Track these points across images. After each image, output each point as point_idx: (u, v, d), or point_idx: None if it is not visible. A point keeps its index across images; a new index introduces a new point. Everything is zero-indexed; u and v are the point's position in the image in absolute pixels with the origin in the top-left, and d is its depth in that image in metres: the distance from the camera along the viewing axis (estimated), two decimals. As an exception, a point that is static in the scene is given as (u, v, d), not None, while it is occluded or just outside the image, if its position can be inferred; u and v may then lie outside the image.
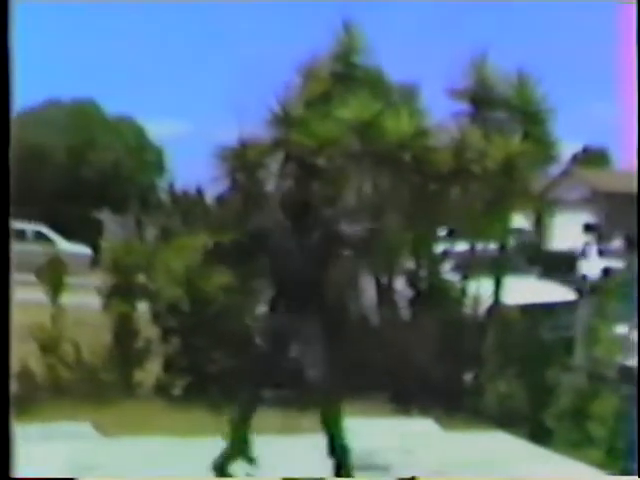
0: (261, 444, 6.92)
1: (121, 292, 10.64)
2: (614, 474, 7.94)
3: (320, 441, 6.87)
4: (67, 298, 11.08)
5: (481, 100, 10.98)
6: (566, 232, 43.92)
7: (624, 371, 9.10)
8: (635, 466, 7.56)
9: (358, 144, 10.48)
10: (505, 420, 9.81)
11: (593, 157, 60.47)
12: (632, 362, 8.99)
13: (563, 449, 8.92)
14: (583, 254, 33.30)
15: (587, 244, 34.03)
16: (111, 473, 7.20)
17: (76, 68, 64.52)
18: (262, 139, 11.11)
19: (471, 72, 10.97)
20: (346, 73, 11.21)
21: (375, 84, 11.08)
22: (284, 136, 10.85)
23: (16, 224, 32.04)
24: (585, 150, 62.75)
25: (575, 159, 56.36)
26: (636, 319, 9.38)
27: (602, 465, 8.26)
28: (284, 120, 10.90)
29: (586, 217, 43.32)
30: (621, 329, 9.71)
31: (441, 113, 11.18)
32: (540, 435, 9.54)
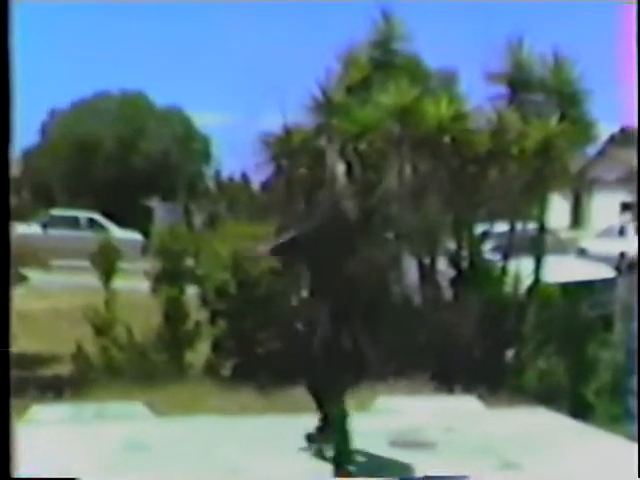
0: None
1: (170, 276, 10.87)
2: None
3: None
4: (119, 283, 11.35)
5: (518, 83, 11.01)
6: (604, 211, 43.57)
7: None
8: None
9: (398, 129, 10.61)
10: (546, 396, 9.86)
11: (630, 137, 59.54)
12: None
13: (603, 424, 9.00)
14: (621, 232, 33.07)
15: (625, 223, 33.73)
16: (163, 452, 7.36)
17: (125, 61, 64.89)
18: (305, 125, 11.28)
19: (507, 55, 11.02)
20: (385, 60, 11.32)
21: (414, 70, 11.15)
22: (326, 122, 11.00)
23: (70, 212, 32.64)
24: (622, 130, 61.86)
25: (612, 139, 55.58)
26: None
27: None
28: (326, 106, 11.05)
29: (624, 196, 42.81)
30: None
31: (479, 97, 11.24)
32: (580, 410, 9.61)
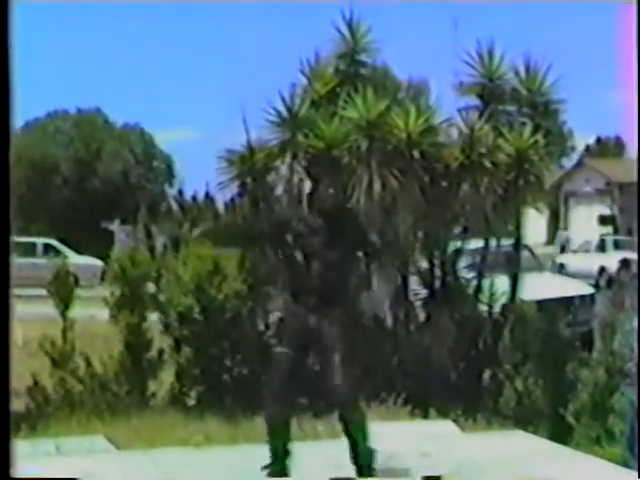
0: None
1: (129, 303, 10.53)
2: (635, 470, 7.81)
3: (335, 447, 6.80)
4: (77, 311, 10.99)
5: (489, 94, 10.84)
6: (582, 224, 43.78)
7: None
8: None
9: (366, 143, 10.35)
10: (524, 418, 9.74)
11: (607, 148, 60.20)
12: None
13: (584, 446, 8.85)
14: (600, 246, 33.09)
15: (603, 236, 33.83)
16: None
17: (80, 79, 64.70)
18: (269, 142, 10.99)
19: (478, 66, 10.84)
20: (351, 72, 11.06)
21: (381, 82, 10.95)
22: (291, 138, 10.73)
23: (25, 239, 32.02)
24: (599, 141, 62.52)
25: (588, 150, 56.11)
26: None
27: (623, 461, 8.14)
28: (290, 122, 10.77)
29: (601, 209, 43.07)
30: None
31: (450, 109, 11.04)
32: (560, 432, 9.46)
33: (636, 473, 7.55)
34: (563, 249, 35.65)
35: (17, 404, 10.47)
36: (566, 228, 42.62)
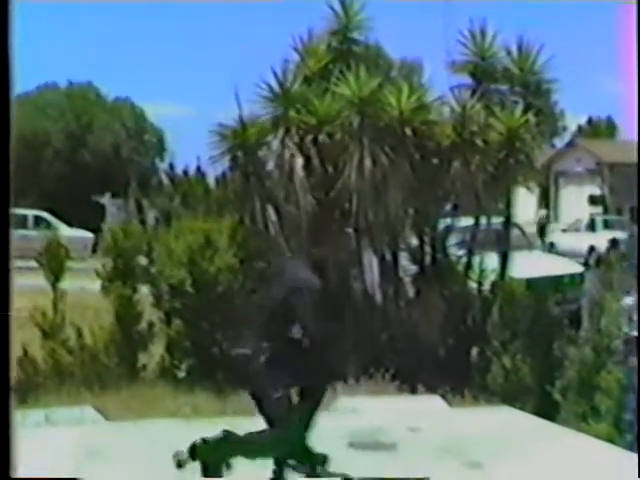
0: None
1: (121, 275, 10.53)
2: (620, 446, 7.89)
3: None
4: (69, 283, 10.97)
5: (482, 73, 10.86)
6: (572, 204, 43.80)
7: (631, 342, 9.01)
8: None
9: (358, 120, 10.36)
10: (512, 395, 9.78)
11: (598, 128, 60.15)
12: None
13: (570, 422, 8.89)
14: (590, 226, 33.16)
15: (593, 216, 33.88)
16: (115, 457, 7.17)
17: (72, 52, 64.34)
18: (261, 117, 11.00)
19: (471, 45, 10.84)
20: (344, 49, 11.08)
21: (374, 59, 10.98)
22: (283, 113, 10.74)
23: (16, 210, 31.93)
24: (590, 122, 62.43)
25: (580, 131, 56.05)
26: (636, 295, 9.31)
27: (608, 437, 8.21)
28: (283, 97, 10.77)
29: (592, 189, 43.08)
30: (628, 300, 9.62)
31: (442, 88, 11.06)
32: (546, 409, 9.50)
33: (619, 448, 7.65)
34: (543, 228, 35.63)
35: (7, 374, 10.52)
36: (547, 206, 42.62)
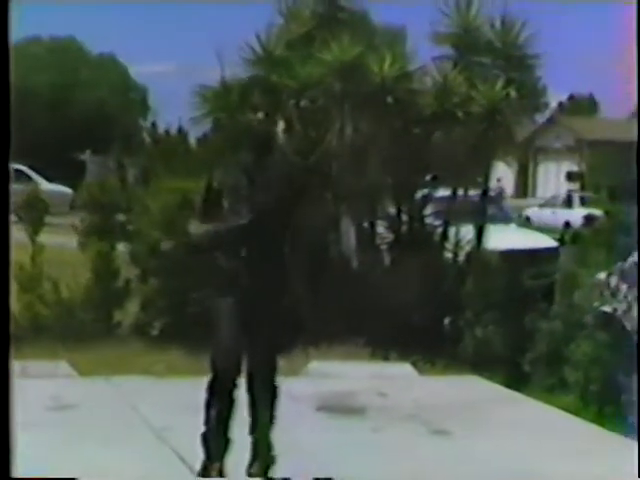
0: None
1: (99, 231, 10.56)
2: (586, 419, 8.01)
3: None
4: (47, 237, 11.01)
5: (464, 44, 10.87)
6: (550, 179, 44.01)
7: (602, 317, 9.10)
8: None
9: (340, 86, 10.37)
10: (482, 365, 9.85)
11: (579, 105, 60.28)
12: (609, 308, 8.99)
13: (538, 394, 8.97)
14: (566, 202, 33.37)
15: (570, 192, 34.09)
16: (86, 412, 7.26)
17: (56, 8, 63.61)
18: (243, 79, 10.98)
19: (455, 16, 10.84)
20: (329, 14, 11.04)
21: (359, 26, 10.93)
22: (266, 77, 10.73)
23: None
24: (571, 98, 62.52)
25: (561, 107, 56.11)
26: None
27: (575, 410, 8.32)
28: (266, 61, 10.76)
29: (570, 165, 43.26)
30: (601, 276, 9.71)
31: (426, 57, 11.07)
32: (515, 380, 9.58)
33: (582, 420, 7.76)
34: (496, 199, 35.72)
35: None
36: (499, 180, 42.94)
